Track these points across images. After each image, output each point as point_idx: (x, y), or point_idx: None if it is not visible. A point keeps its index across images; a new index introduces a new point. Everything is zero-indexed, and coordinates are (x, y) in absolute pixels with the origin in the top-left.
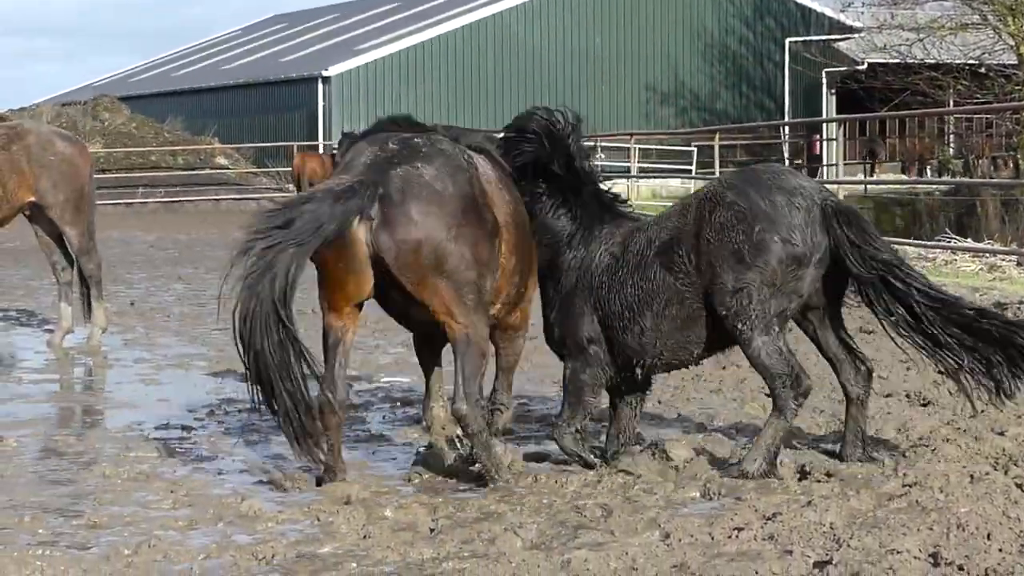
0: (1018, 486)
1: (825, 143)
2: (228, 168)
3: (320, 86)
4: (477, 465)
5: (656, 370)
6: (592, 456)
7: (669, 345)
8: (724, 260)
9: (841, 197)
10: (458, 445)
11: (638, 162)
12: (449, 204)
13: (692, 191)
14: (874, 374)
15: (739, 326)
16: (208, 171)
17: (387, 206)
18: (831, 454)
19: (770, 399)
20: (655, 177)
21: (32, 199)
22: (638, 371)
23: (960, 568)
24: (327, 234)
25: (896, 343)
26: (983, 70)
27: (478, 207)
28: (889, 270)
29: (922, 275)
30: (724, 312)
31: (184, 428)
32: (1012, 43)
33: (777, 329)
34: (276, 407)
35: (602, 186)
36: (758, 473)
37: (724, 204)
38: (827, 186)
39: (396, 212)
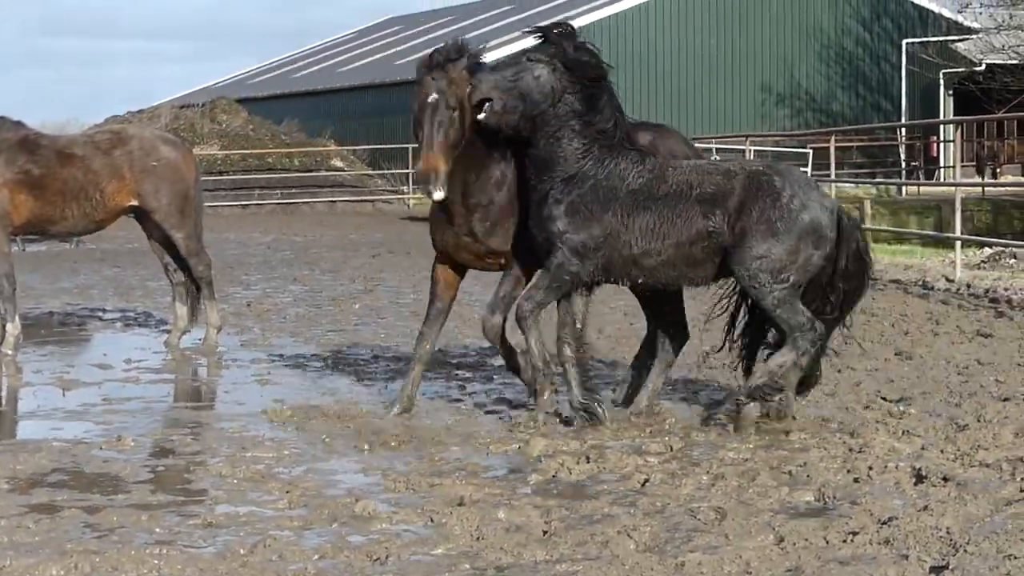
0: None
1: (942, 145)
2: (344, 170)
3: None
4: None
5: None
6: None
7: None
8: (756, 229)
9: (958, 199)
10: None
11: None
12: None
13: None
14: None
15: (755, 285)
16: (324, 173)
17: None
18: (948, 461)
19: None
20: None
21: (134, 203)
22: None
23: None
24: None
25: None
26: None
27: None
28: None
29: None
30: (743, 271)
31: (299, 429)
32: None
33: (790, 293)
34: None
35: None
36: (758, 391)
37: (769, 185)
38: (946, 187)
39: None
